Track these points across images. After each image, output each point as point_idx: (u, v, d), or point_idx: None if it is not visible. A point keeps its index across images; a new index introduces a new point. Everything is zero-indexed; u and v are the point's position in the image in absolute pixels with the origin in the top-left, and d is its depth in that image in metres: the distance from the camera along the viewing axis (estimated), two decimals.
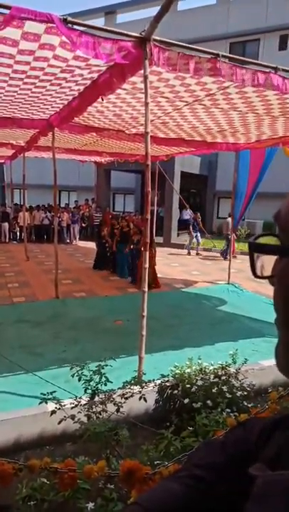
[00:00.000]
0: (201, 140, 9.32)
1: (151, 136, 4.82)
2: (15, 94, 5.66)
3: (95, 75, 4.80)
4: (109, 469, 2.45)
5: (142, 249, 5.47)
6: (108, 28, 4.17)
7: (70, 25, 3.54)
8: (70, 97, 5.84)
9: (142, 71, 4.04)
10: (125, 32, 3.98)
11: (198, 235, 14.40)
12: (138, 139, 8.47)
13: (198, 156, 17.12)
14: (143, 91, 4.28)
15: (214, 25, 19.52)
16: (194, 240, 14.41)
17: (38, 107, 6.49)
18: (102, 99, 5.29)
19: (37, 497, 1.75)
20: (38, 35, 3.71)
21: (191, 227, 14.39)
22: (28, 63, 4.42)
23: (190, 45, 4.35)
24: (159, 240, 15.06)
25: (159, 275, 9.31)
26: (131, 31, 4.00)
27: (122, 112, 6.59)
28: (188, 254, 14.37)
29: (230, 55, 4.64)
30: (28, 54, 4.14)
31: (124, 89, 5.18)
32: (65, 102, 6.14)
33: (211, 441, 0.70)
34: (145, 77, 4.02)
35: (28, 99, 5.96)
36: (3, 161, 16.16)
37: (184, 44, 4.32)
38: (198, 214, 14.95)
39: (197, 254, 14.45)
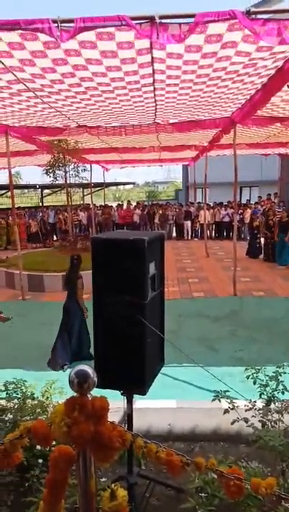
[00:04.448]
0: None
1: None
2: (198, 97, 5.91)
3: (280, 63, 4.52)
4: (285, 483, 2.29)
5: None
6: None
7: (253, 16, 3.43)
8: (253, 91, 5.69)
9: None
10: None
11: None
12: None
13: None
14: None
15: None
16: None
17: (220, 106, 6.58)
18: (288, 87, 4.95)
19: (208, 491, 1.80)
20: (221, 35, 3.74)
21: None
22: (210, 66, 4.52)
23: None
24: None
25: None
26: None
27: None
28: None
29: None
30: (211, 56, 4.24)
31: None
32: (248, 97, 6.02)
33: None
34: None
35: (210, 100, 6.12)
36: (187, 162, 17.15)
37: None
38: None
39: None
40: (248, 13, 3.39)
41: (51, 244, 15.87)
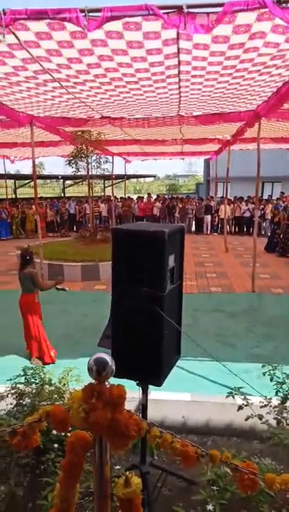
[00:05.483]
0: None
1: None
2: (223, 90, 5.80)
3: None
4: None
5: None
6: None
7: (284, 4, 3.33)
8: (280, 84, 5.55)
9: None
10: None
11: None
12: None
13: None
14: None
15: None
16: None
17: (246, 98, 6.45)
18: None
19: (220, 484, 1.81)
20: (249, 25, 3.66)
21: None
22: (237, 57, 4.43)
23: None
24: None
25: None
26: None
27: None
28: None
29: None
30: (239, 47, 4.15)
31: None
32: (274, 90, 5.88)
33: None
34: None
35: (236, 92, 6.01)
36: (209, 156, 16.92)
37: None
38: None
39: None
40: (278, 1, 3.29)
41: (66, 234, 16.14)
